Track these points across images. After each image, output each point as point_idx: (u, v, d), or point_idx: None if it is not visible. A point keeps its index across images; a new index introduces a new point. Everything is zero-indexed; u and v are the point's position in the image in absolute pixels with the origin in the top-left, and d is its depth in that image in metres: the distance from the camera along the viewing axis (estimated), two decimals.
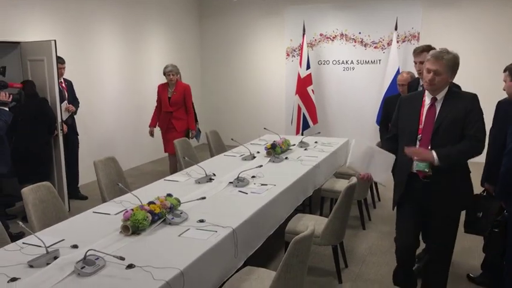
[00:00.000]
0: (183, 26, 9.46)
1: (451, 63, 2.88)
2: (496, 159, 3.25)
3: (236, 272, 3.05)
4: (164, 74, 6.18)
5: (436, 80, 2.90)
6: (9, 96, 4.30)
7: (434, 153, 2.88)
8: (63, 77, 6.14)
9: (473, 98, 2.94)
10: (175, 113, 6.23)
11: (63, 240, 2.86)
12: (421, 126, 3.02)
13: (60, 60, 5.95)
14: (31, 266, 2.50)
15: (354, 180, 3.80)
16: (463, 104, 2.91)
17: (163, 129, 6.32)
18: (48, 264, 2.52)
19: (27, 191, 3.47)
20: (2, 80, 4.36)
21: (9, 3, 5.75)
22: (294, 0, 8.85)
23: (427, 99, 3.04)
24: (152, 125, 6.43)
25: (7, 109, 4.29)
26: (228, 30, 9.70)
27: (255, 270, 3.08)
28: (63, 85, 6.12)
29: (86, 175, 6.59)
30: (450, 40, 7.83)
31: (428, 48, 3.83)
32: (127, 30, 7.90)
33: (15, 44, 5.86)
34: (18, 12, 5.89)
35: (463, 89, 3.41)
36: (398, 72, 8.05)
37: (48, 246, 2.66)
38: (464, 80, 4.06)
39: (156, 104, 6.43)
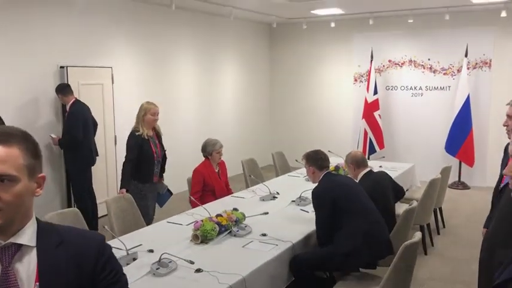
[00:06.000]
0: (254, 51, 9.89)
1: None
2: None
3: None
4: (211, 153, 4.85)
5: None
6: None
7: None
8: (68, 107, 5.55)
9: None
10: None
11: (141, 245, 3.21)
12: None
13: (61, 91, 5.54)
14: None
15: (414, 204, 3.90)
16: None
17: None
18: (128, 264, 2.88)
19: (110, 201, 3.91)
20: None
21: (101, 33, 6.42)
22: (363, 27, 9.01)
23: None
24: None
25: None
26: (297, 56, 10.01)
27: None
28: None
29: None
30: None
31: None
32: (202, 55, 8.42)
33: (108, 69, 6.55)
34: (110, 41, 6.55)
35: None
36: (468, 99, 7.96)
37: (129, 249, 3.02)
38: None
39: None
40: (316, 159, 3.63)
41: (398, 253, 2.84)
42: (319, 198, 3.45)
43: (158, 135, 4.80)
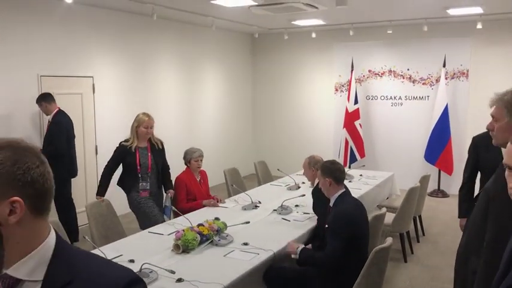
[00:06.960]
0: (236, 61, 9.94)
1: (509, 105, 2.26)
2: None
3: None
4: (190, 160, 4.84)
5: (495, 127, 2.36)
6: None
7: None
8: (52, 116, 5.47)
9: None
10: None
11: (121, 255, 3.20)
12: None
13: (45, 99, 5.46)
14: None
15: (383, 210, 3.98)
16: None
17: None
18: None
19: (90, 206, 3.98)
20: None
21: (82, 43, 6.39)
22: (343, 37, 9.13)
23: None
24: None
25: None
26: (279, 66, 10.09)
27: None
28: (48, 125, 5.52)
29: None
30: (498, 79, 7.80)
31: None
32: (184, 65, 8.43)
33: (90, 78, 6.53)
34: (91, 51, 6.52)
35: None
36: (447, 108, 8.12)
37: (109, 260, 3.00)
38: None
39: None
40: (333, 171, 3.46)
41: (369, 258, 2.89)
42: (346, 223, 3.23)
43: (153, 148, 4.58)
